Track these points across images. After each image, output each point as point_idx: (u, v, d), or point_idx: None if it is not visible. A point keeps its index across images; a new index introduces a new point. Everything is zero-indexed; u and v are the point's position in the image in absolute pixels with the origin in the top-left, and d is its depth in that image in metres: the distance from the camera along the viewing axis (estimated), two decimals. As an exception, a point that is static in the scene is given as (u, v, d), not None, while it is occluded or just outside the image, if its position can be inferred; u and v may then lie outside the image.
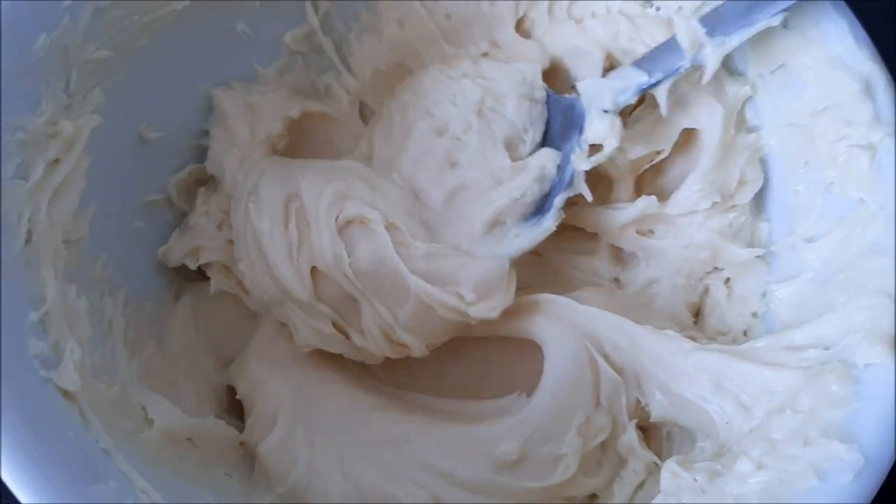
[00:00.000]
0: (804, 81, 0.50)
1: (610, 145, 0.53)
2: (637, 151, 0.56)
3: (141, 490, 0.39)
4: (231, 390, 0.56)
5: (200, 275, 0.57)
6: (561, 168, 0.55)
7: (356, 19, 0.60)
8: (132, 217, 0.53)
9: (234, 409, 0.56)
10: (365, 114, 0.63)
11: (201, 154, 0.58)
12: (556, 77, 0.60)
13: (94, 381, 0.42)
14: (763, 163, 0.54)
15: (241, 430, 0.54)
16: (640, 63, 0.52)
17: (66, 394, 0.39)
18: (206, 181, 0.58)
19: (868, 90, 0.47)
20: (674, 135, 0.56)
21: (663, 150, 0.57)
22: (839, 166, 0.48)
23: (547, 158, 0.55)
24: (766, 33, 0.49)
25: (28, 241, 0.42)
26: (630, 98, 0.52)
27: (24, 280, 0.41)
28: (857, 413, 0.41)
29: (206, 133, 0.57)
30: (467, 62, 0.58)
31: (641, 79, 0.52)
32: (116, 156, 0.50)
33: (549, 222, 0.54)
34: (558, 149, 0.55)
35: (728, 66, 0.54)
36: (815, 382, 0.44)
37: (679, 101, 0.54)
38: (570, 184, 0.54)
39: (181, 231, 0.57)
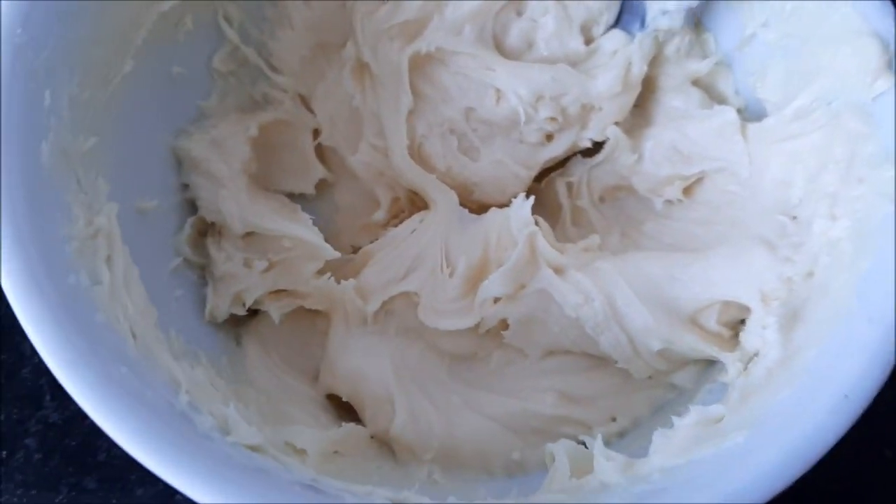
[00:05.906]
0: None
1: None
2: None
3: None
4: (332, 397, 0.56)
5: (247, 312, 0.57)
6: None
7: (265, 19, 0.61)
8: (171, 288, 0.53)
9: (343, 412, 0.56)
10: (307, 104, 0.63)
11: (191, 207, 0.57)
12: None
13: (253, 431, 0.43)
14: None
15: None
16: None
17: (253, 448, 0.40)
18: (206, 230, 0.58)
19: None
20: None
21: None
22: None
23: (619, 44, 0.57)
24: None
25: (135, 337, 0.41)
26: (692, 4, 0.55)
27: (156, 371, 0.40)
28: (886, 135, 0.44)
29: (186, 186, 0.57)
30: None
31: None
32: (135, 236, 0.49)
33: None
34: (628, 30, 0.58)
35: None
36: (837, 132, 0.47)
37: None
38: None
39: (213, 286, 0.56)
